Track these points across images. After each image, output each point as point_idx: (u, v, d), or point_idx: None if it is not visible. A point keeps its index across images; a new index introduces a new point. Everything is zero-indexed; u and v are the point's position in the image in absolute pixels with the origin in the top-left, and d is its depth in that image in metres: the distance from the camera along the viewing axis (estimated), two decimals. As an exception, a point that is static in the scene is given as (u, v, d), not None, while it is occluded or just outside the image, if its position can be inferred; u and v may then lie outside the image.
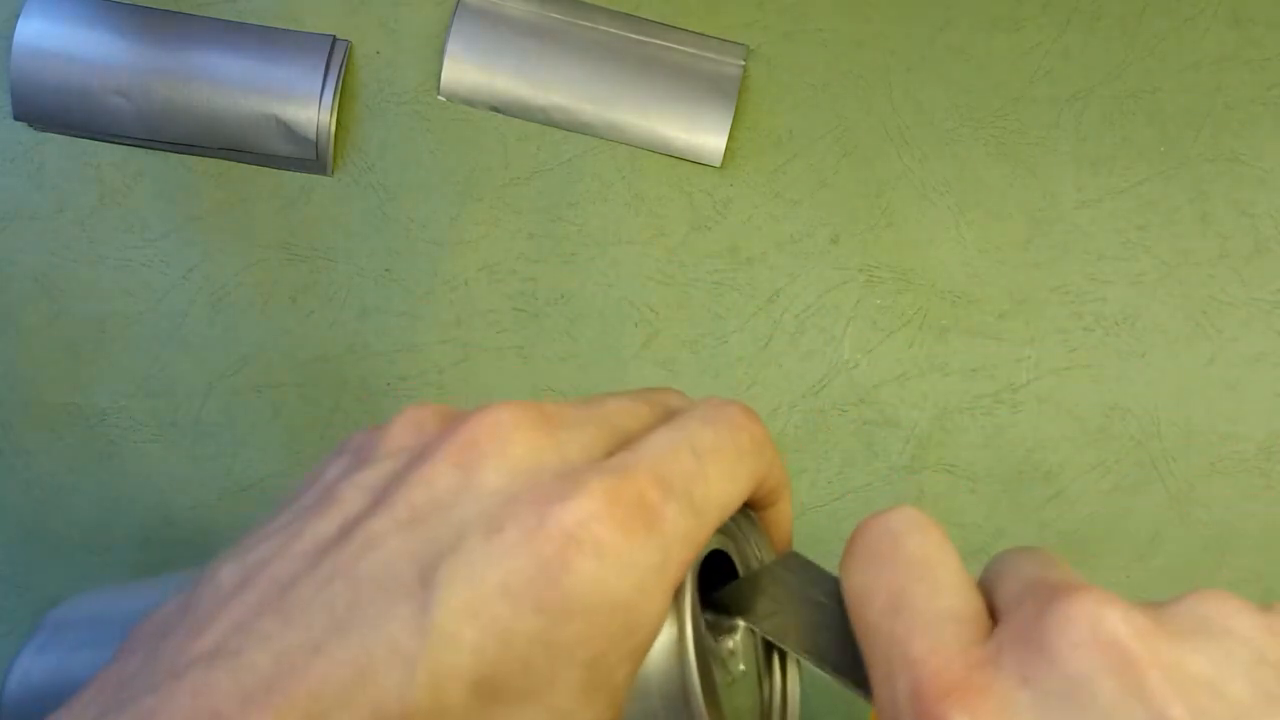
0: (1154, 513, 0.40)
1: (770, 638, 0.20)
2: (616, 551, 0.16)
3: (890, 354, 0.40)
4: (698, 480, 0.18)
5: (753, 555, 0.22)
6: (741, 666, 0.21)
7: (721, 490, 0.18)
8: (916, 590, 0.18)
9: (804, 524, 0.40)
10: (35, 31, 0.39)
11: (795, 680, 0.21)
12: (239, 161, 0.41)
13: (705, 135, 0.40)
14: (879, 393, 0.40)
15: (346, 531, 0.17)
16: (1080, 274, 0.40)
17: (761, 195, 0.41)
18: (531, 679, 0.16)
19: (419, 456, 0.18)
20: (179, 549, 0.41)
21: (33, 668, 0.27)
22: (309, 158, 0.40)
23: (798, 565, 0.21)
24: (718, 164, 0.41)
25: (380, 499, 0.17)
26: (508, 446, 0.17)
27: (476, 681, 0.16)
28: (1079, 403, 0.40)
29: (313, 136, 0.40)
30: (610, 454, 0.18)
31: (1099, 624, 0.16)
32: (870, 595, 0.18)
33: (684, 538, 0.17)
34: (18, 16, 0.39)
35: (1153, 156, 0.41)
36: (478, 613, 0.16)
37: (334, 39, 0.40)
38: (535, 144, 0.41)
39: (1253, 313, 0.40)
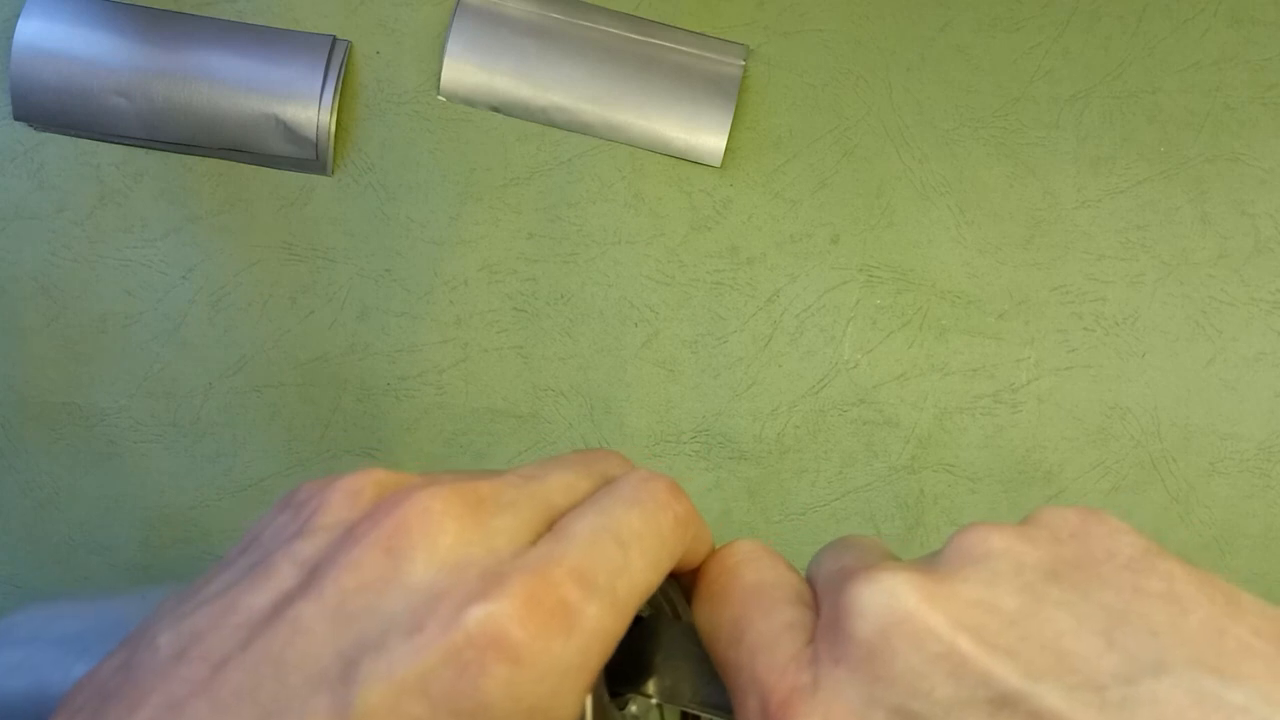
0: (1154, 513, 0.40)
1: (665, 702, 0.20)
2: (533, 657, 0.16)
3: (890, 354, 0.40)
4: (622, 573, 0.18)
5: (663, 601, 0.22)
6: None
7: (644, 579, 0.19)
8: (753, 616, 0.19)
9: (804, 525, 0.40)
10: (35, 31, 0.39)
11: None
12: (239, 161, 0.41)
13: (705, 135, 0.40)
14: (879, 393, 0.40)
15: (278, 610, 0.17)
16: (1080, 274, 0.40)
17: (761, 195, 0.41)
18: None
19: (351, 537, 0.18)
20: (179, 549, 0.41)
21: None
22: (309, 158, 0.40)
23: (685, 625, 0.21)
24: (718, 164, 0.41)
25: (311, 579, 0.18)
26: (437, 537, 0.18)
27: None
28: (1079, 403, 0.40)
29: (313, 136, 0.40)
30: (538, 536, 0.19)
31: (877, 593, 0.17)
32: (717, 630, 0.20)
33: (603, 634, 0.17)
34: (18, 16, 0.39)
35: (1153, 156, 0.41)
36: (394, 711, 0.16)
37: (334, 39, 0.40)
38: (535, 144, 0.41)
39: (1253, 313, 0.40)
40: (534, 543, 0.18)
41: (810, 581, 0.21)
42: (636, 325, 0.40)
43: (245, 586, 0.18)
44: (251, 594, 0.18)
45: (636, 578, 0.18)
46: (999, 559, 0.18)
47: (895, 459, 0.40)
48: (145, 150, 0.41)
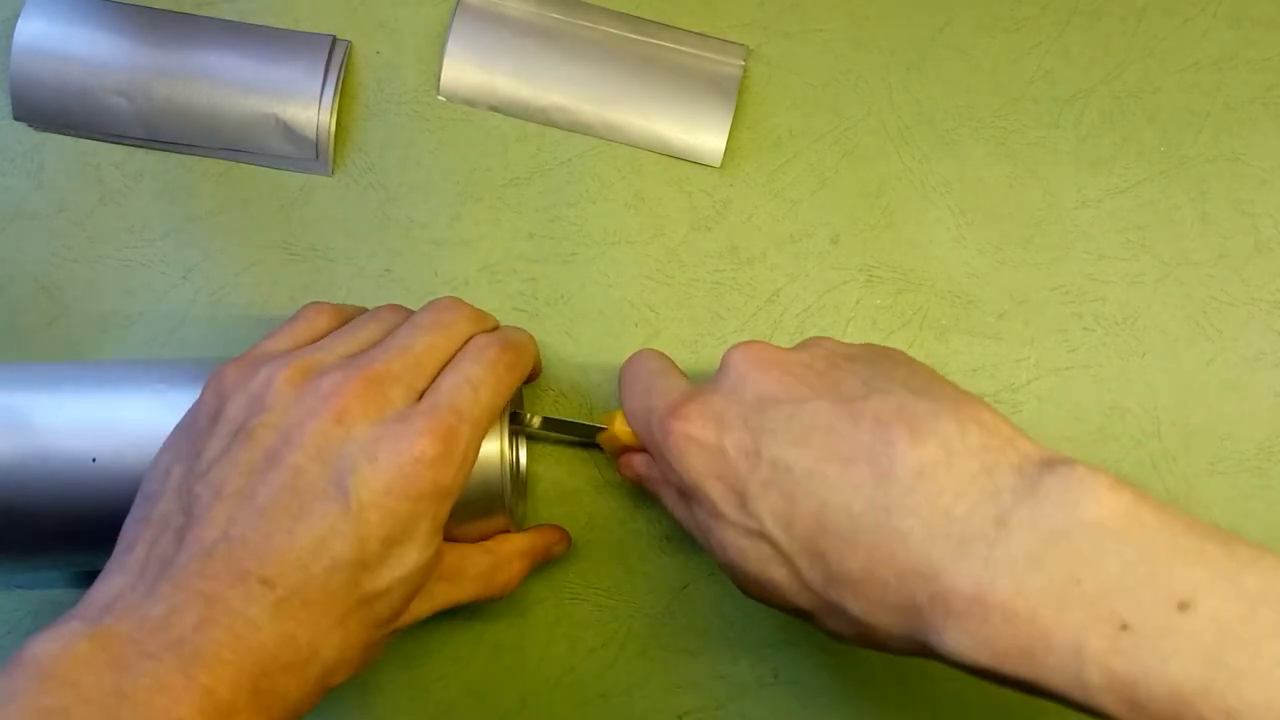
0: (1154, 513, 0.40)
1: (537, 435, 0.38)
2: (439, 462, 0.29)
3: (890, 354, 0.40)
4: (477, 407, 0.31)
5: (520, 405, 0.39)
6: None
7: (492, 405, 0.31)
8: (655, 382, 0.33)
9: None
10: (35, 31, 0.39)
11: (524, 451, 0.38)
12: (239, 161, 0.41)
13: (705, 135, 0.40)
14: (879, 393, 0.40)
15: (272, 461, 0.28)
16: (1080, 274, 0.40)
17: (761, 195, 0.41)
18: (406, 531, 0.29)
19: (309, 410, 0.29)
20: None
21: None
22: (309, 158, 0.40)
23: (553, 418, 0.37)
24: (717, 164, 0.41)
25: (288, 438, 0.29)
26: (366, 408, 0.29)
27: (381, 538, 0.28)
28: (1079, 403, 0.40)
29: (313, 136, 0.40)
30: (423, 390, 0.31)
31: (739, 352, 0.31)
32: (634, 392, 0.34)
33: (473, 440, 0.30)
34: (18, 16, 0.39)
35: (1153, 156, 0.41)
36: (376, 504, 0.28)
37: (334, 39, 0.40)
38: (535, 144, 0.41)
39: (1253, 313, 0.40)
40: (420, 396, 0.30)
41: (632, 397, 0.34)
42: (636, 325, 0.40)
43: (241, 448, 0.29)
44: (248, 451, 0.29)
45: (485, 404, 0.31)
46: (820, 349, 0.32)
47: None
48: (145, 150, 0.41)
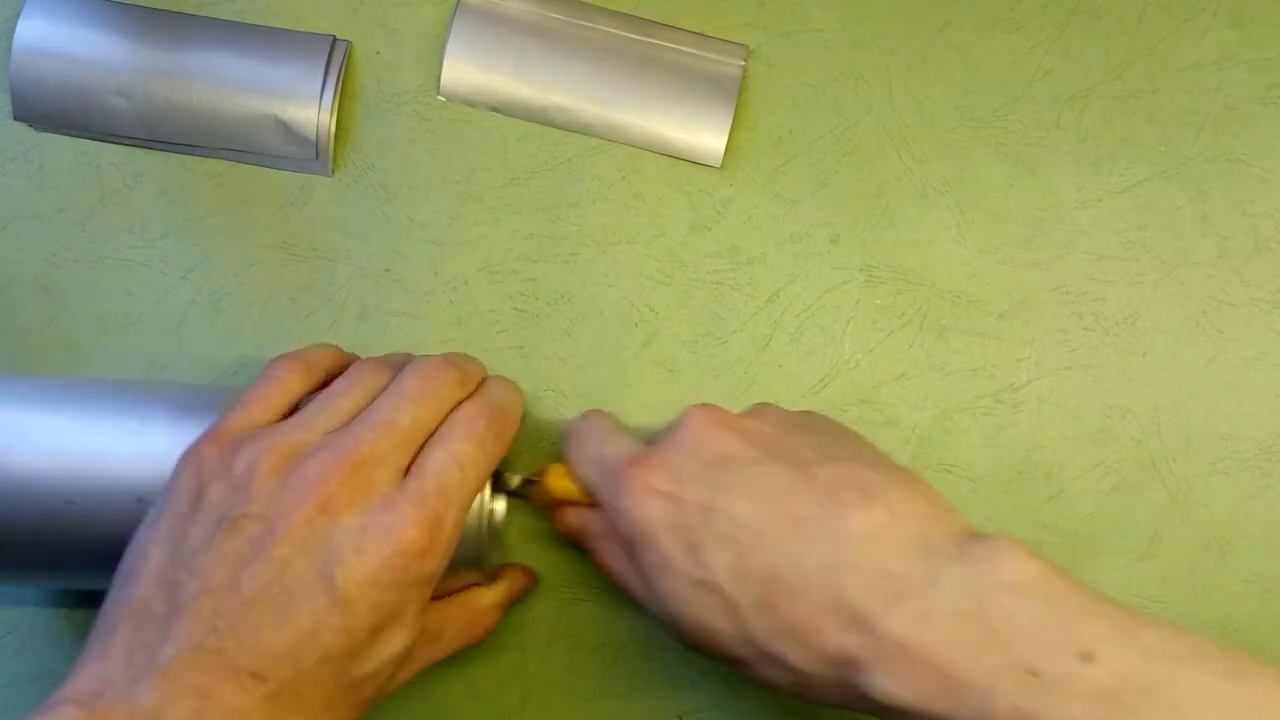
0: (1154, 513, 0.40)
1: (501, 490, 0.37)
2: (426, 552, 0.29)
3: (890, 354, 0.40)
4: (463, 486, 0.31)
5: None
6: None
7: (478, 483, 0.31)
8: (610, 436, 0.35)
9: (804, 524, 0.40)
10: (35, 31, 0.39)
11: (502, 507, 0.36)
12: (239, 161, 0.41)
13: (705, 135, 0.40)
14: (879, 393, 0.40)
15: (257, 552, 0.28)
16: (1080, 274, 0.40)
17: (761, 195, 0.41)
18: (393, 618, 0.29)
19: (294, 503, 0.29)
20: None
21: None
22: (309, 158, 0.40)
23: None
24: (717, 164, 0.41)
25: (272, 529, 0.28)
26: (351, 495, 0.29)
27: (369, 628, 0.28)
28: (1079, 403, 0.40)
29: (313, 136, 0.40)
30: (408, 468, 0.30)
31: (698, 415, 0.33)
32: (587, 443, 0.35)
33: (458, 523, 0.30)
34: (18, 16, 0.39)
35: (1153, 156, 0.41)
36: (363, 595, 0.28)
37: (334, 39, 0.40)
38: (535, 144, 0.41)
39: (1253, 313, 0.40)
40: (406, 476, 0.30)
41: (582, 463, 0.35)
42: (636, 325, 0.40)
43: (225, 538, 0.28)
44: (233, 542, 0.28)
45: (472, 484, 0.31)
46: (770, 417, 0.35)
47: (896, 459, 0.40)
48: (145, 150, 0.41)
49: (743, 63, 0.41)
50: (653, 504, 0.31)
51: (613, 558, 0.35)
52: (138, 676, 0.26)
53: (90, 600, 0.39)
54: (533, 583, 0.39)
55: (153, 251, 0.40)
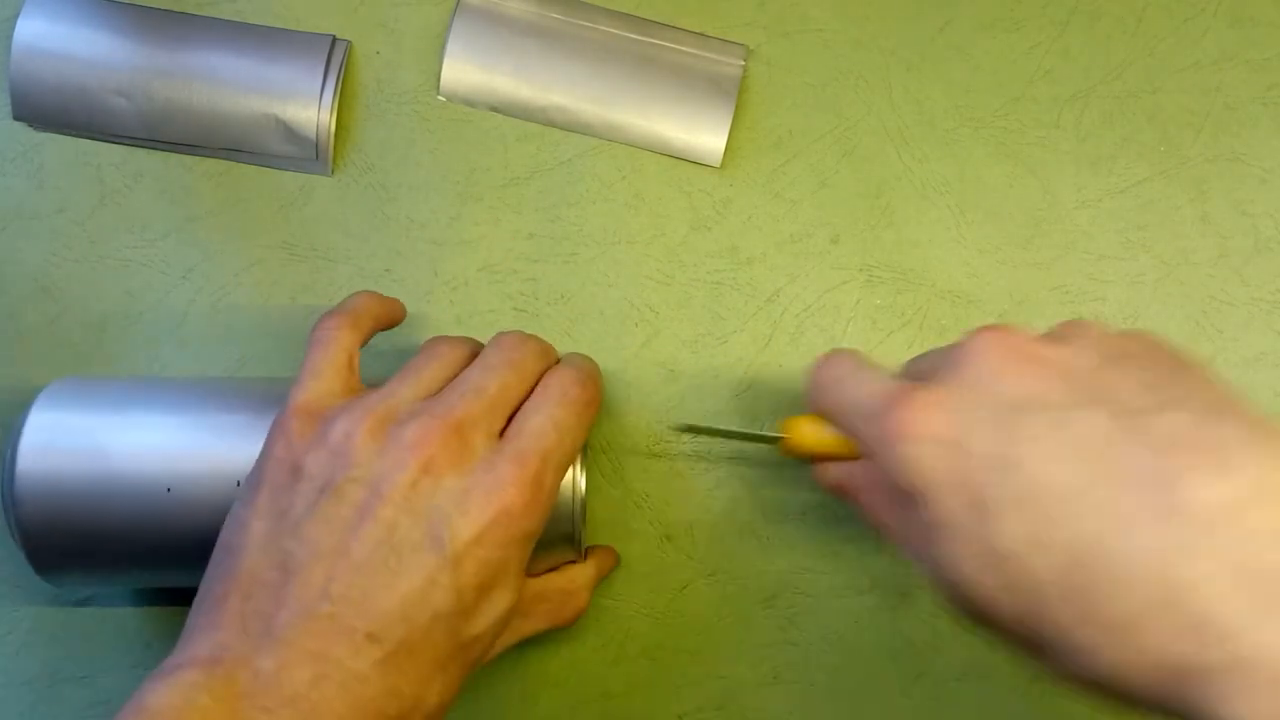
0: (1154, 513, 0.40)
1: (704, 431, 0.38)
2: (527, 511, 0.30)
3: (890, 354, 0.40)
4: (561, 450, 0.31)
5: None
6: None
7: (574, 450, 0.32)
8: (863, 373, 0.30)
9: (805, 525, 0.40)
10: (35, 31, 0.39)
11: (585, 479, 0.35)
12: (239, 161, 0.41)
13: (705, 135, 0.40)
14: (879, 393, 0.40)
15: (364, 516, 0.28)
16: (1080, 274, 0.40)
17: (761, 195, 0.41)
18: (498, 576, 0.30)
19: (396, 462, 0.29)
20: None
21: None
22: (309, 158, 0.40)
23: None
24: (717, 164, 0.41)
25: (377, 492, 0.29)
26: (452, 457, 0.29)
27: (476, 586, 0.29)
28: (1079, 403, 0.40)
29: (313, 136, 0.40)
30: (502, 431, 0.31)
31: (987, 339, 0.27)
32: (838, 387, 0.31)
33: (555, 484, 0.31)
34: (18, 16, 0.39)
35: (1153, 156, 0.41)
36: (470, 552, 0.29)
37: (334, 39, 0.40)
38: (535, 144, 0.41)
39: (1253, 313, 0.40)
40: (501, 437, 0.31)
41: (913, 372, 0.32)
42: (636, 325, 0.40)
43: (330, 504, 0.29)
44: (338, 507, 0.29)
45: (568, 448, 0.32)
46: (1083, 340, 0.28)
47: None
48: (145, 150, 0.41)
49: (743, 63, 0.41)
50: (929, 452, 0.26)
51: (885, 512, 0.30)
52: (256, 644, 0.27)
53: (88, 600, 0.39)
54: (617, 562, 0.39)
55: (153, 251, 0.40)
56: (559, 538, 0.34)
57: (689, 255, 0.41)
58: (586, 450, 0.36)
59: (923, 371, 0.29)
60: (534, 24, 0.40)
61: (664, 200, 0.41)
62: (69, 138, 0.40)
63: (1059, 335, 0.28)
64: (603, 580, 0.39)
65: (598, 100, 0.40)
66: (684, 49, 0.41)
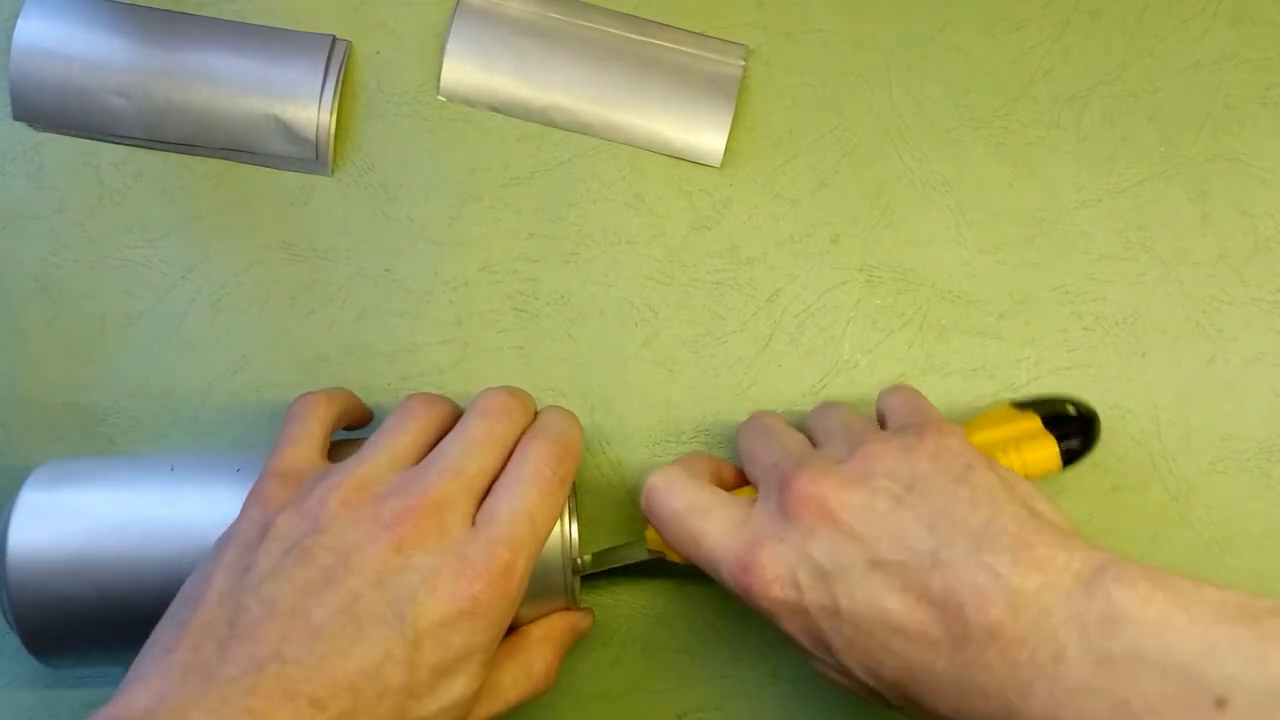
0: (1154, 513, 0.40)
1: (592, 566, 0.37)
2: (496, 601, 0.30)
3: (890, 354, 0.40)
4: (534, 537, 0.31)
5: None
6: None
7: (546, 531, 0.32)
8: (695, 525, 0.32)
9: (804, 524, 0.40)
10: (35, 31, 0.39)
11: (575, 528, 0.35)
12: (239, 161, 0.41)
13: (705, 135, 0.40)
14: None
15: (328, 582, 0.28)
16: (1080, 274, 0.40)
17: (761, 195, 0.41)
18: (458, 663, 0.29)
19: (369, 538, 0.29)
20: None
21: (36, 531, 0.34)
22: (309, 158, 0.40)
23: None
24: (717, 164, 0.41)
25: (346, 561, 0.29)
26: (426, 538, 0.29)
27: (433, 668, 0.29)
28: (1079, 403, 0.40)
29: (313, 136, 0.40)
30: (475, 512, 0.31)
31: (810, 491, 0.31)
32: (754, 446, 0.35)
33: (527, 571, 0.31)
34: (18, 16, 0.39)
35: (1153, 156, 0.41)
36: (432, 633, 0.28)
37: (334, 39, 0.40)
38: (535, 144, 0.41)
39: (1253, 313, 0.40)
40: (474, 521, 0.31)
41: (747, 464, 0.35)
42: (636, 325, 0.40)
43: (296, 565, 0.29)
44: (303, 570, 0.29)
45: (541, 533, 0.32)
46: (880, 476, 0.31)
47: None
48: (145, 150, 0.41)
49: (743, 63, 0.41)
50: (781, 613, 0.31)
51: None
52: (194, 698, 0.26)
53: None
54: (589, 620, 0.38)
55: (153, 251, 0.40)
56: (551, 589, 0.34)
57: (689, 255, 0.41)
58: (575, 493, 0.36)
59: (768, 499, 0.32)
60: (534, 24, 0.40)
61: (664, 200, 0.41)
62: (69, 138, 0.40)
63: (855, 471, 0.31)
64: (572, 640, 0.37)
65: (598, 100, 0.40)
66: (684, 49, 0.41)
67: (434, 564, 0.29)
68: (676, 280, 0.40)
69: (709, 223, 0.41)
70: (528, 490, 0.32)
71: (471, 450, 0.32)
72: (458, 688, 0.29)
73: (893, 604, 0.29)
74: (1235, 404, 0.40)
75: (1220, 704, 0.24)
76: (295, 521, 0.30)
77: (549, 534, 0.32)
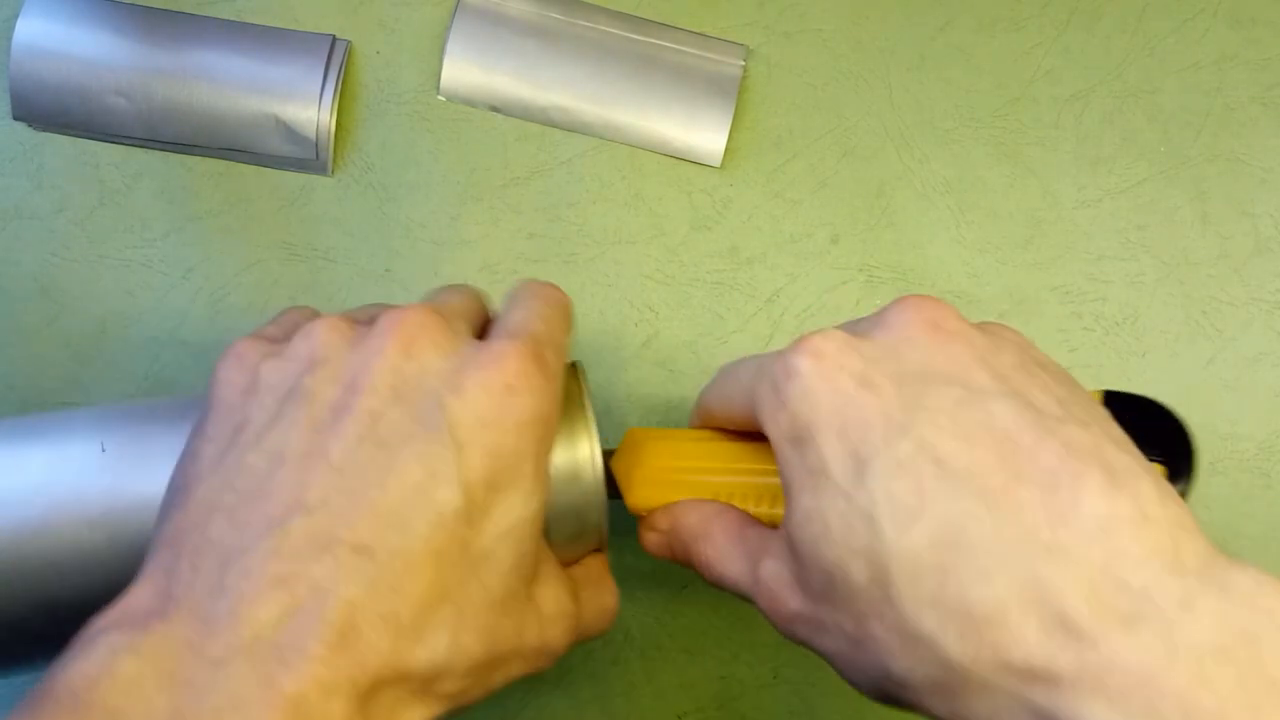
0: (1154, 513, 0.40)
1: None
2: (534, 387, 0.25)
3: (890, 354, 0.40)
4: (549, 334, 0.27)
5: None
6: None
7: (562, 335, 0.28)
8: (743, 359, 0.29)
9: (804, 524, 0.40)
10: (35, 31, 0.39)
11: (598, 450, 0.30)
12: (239, 161, 0.41)
13: (705, 135, 0.40)
14: (879, 393, 0.40)
15: (340, 412, 0.24)
16: (1080, 274, 0.40)
17: (761, 195, 0.41)
18: (511, 471, 0.24)
19: (373, 351, 0.25)
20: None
21: None
22: (309, 158, 0.40)
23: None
24: (717, 164, 0.41)
25: (354, 386, 0.24)
26: (435, 337, 0.25)
27: (486, 481, 0.24)
28: (1079, 403, 0.40)
29: (313, 136, 0.40)
30: (477, 332, 0.28)
31: (911, 307, 0.26)
32: (728, 375, 0.30)
33: (557, 367, 0.26)
34: (18, 16, 0.39)
35: (1153, 156, 0.41)
36: (474, 439, 0.24)
37: (334, 39, 0.40)
38: (535, 144, 0.41)
39: (1253, 313, 0.40)
40: (479, 335, 0.27)
41: (725, 401, 0.31)
42: (636, 325, 0.40)
43: (298, 407, 0.24)
44: (308, 409, 0.24)
45: (557, 336, 0.27)
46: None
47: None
48: (145, 150, 0.41)
49: (743, 63, 0.41)
50: (822, 390, 0.24)
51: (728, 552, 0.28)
52: (208, 582, 0.22)
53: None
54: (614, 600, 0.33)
55: (153, 251, 0.40)
56: (584, 524, 0.29)
57: (689, 255, 0.41)
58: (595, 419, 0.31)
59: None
60: (534, 24, 0.40)
61: (664, 200, 0.41)
62: (69, 138, 0.40)
63: (987, 327, 0.27)
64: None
65: (598, 100, 0.40)
66: (684, 49, 0.41)
67: (452, 365, 0.25)
68: (676, 280, 0.40)
69: (709, 222, 0.41)
70: (533, 300, 0.28)
71: (441, 294, 0.29)
72: (516, 507, 0.24)
73: (990, 437, 0.23)
74: (1235, 404, 0.40)
75: None
76: (284, 366, 0.25)
77: (565, 339, 0.28)
